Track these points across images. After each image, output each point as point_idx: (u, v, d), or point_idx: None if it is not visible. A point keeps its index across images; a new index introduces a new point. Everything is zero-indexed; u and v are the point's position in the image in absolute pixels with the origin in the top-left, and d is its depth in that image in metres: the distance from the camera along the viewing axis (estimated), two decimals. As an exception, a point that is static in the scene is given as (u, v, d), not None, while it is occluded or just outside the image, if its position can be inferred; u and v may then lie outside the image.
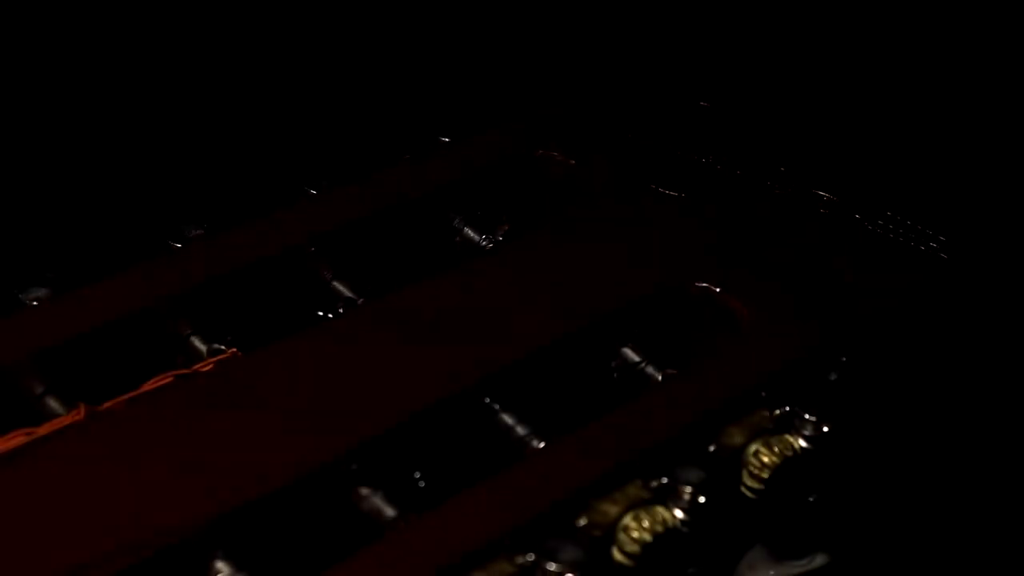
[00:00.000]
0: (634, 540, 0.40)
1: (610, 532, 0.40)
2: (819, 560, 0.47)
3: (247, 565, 0.38)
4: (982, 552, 0.60)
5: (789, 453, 0.42)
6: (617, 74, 0.57)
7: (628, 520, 0.40)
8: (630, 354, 0.46)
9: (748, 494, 0.42)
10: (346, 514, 0.40)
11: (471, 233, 0.50)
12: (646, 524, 0.40)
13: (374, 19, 0.84)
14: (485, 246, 0.49)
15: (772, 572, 0.46)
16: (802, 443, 0.43)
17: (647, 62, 0.59)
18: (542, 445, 0.42)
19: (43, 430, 0.41)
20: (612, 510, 0.40)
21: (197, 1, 0.81)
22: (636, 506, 0.40)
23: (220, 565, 0.38)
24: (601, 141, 0.52)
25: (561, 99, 0.54)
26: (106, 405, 0.42)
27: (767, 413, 0.43)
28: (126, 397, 0.42)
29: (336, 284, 0.47)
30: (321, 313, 0.47)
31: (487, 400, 0.43)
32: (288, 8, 0.84)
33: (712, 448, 0.42)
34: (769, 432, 0.43)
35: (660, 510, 0.40)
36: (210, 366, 0.43)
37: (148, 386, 0.42)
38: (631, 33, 0.87)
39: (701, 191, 0.50)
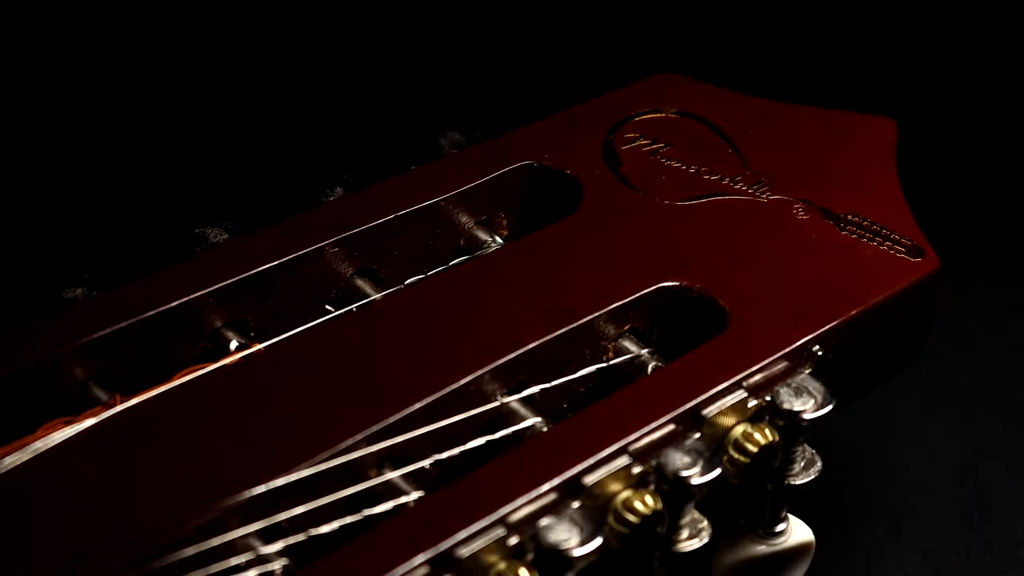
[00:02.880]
0: (625, 522, 0.42)
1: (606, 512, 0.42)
2: (798, 538, 0.48)
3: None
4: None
5: (769, 440, 0.44)
6: (607, 81, 0.58)
7: (618, 503, 0.42)
8: (622, 349, 0.47)
9: (729, 477, 0.44)
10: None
11: (475, 235, 0.51)
12: (639, 507, 0.42)
13: (376, 23, 0.86)
14: (488, 247, 0.51)
15: (753, 551, 0.48)
16: (781, 433, 0.44)
17: (639, 68, 0.60)
18: (545, 429, 0.44)
19: (81, 419, 0.43)
20: (607, 490, 0.42)
21: (219, 12, 0.82)
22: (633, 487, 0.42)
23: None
24: (595, 147, 0.53)
25: (552, 108, 0.55)
26: (138, 397, 0.43)
27: (749, 404, 0.44)
28: (158, 389, 0.44)
29: (353, 282, 0.49)
30: (331, 309, 0.48)
31: (489, 390, 0.44)
32: (294, 14, 0.85)
33: (697, 435, 0.43)
34: (751, 420, 0.44)
35: (649, 496, 0.42)
36: (236, 359, 0.45)
37: (177, 378, 0.44)
38: (625, 39, 0.88)
39: (690, 195, 0.52)
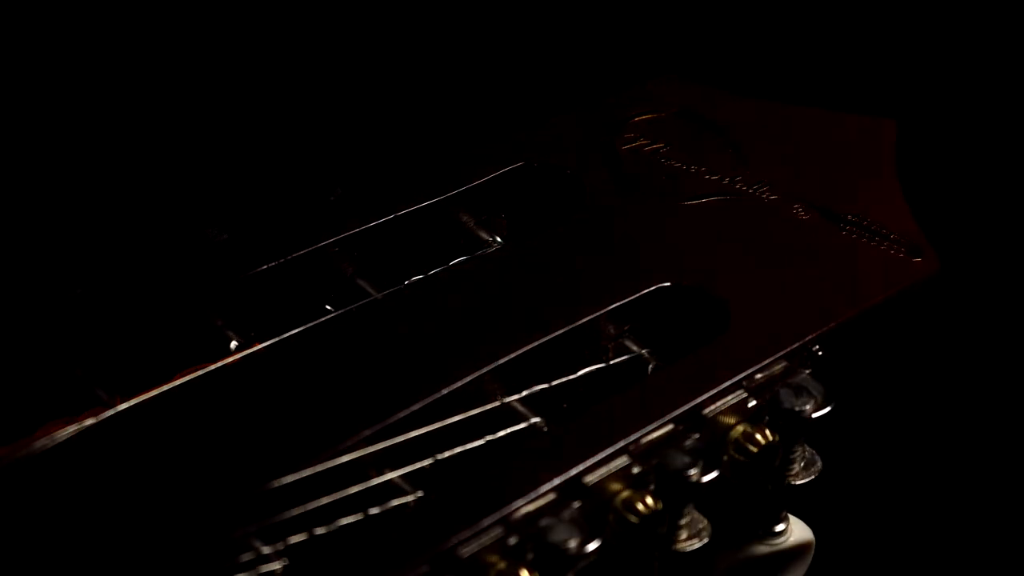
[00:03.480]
0: (626, 522, 0.42)
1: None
2: (798, 538, 0.48)
3: None
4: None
5: (768, 440, 0.44)
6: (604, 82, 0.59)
7: (619, 500, 0.42)
8: (622, 349, 0.47)
9: (729, 478, 0.44)
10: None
11: (476, 235, 0.51)
12: (640, 507, 0.42)
13: (376, 24, 0.86)
14: (489, 247, 0.51)
15: (753, 551, 0.48)
16: (780, 434, 0.45)
17: (634, 71, 0.60)
18: (545, 429, 0.44)
19: (82, 418, 0.43)
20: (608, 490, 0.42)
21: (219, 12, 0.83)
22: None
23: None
24: (595, 147, 0.54)
25: (553, 109, 0.56)
26: (139, 396, 0.44)
27: (749, 404, 0.45)
28: (161, 389, 0.44)
29: (353, 281, 0.49)
30: (331, 309, 0.48)
31: (489, 390, 0.44)
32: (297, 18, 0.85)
33: (697, 435, 0.44)
34: (750, 421, 0.45)
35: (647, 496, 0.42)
36: (236, 359, 0.45)
37: (179, 378, 0.44)
38: (625, 40, 0.88)
39: (690, 195, 0.52)
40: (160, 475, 0.41)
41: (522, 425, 0.44)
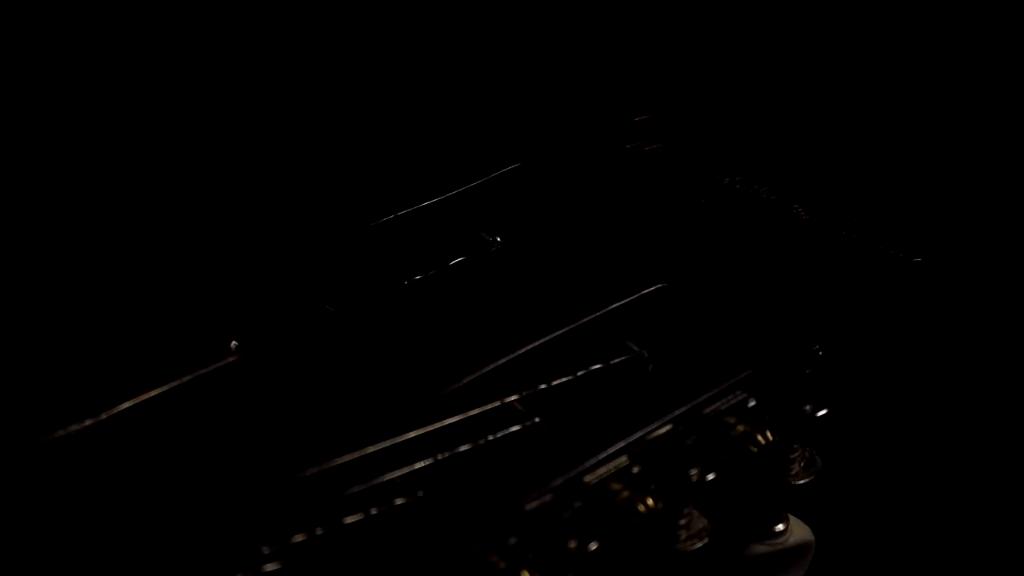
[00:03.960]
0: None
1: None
2: (798, 538, 0.49)
3: None
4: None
5: (767, 440, 0.44)
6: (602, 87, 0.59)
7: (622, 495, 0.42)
8: (623, 349, 0.47)
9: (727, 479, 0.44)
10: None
11: (476, 235, 0.51)
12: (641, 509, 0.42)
13: (376, 24, 0.86)
14: (489, 247, 0.51)
15: (753, 550, 0.48)
16: (778, 434, 0.45)
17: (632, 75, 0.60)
18: (546, 429, 0.44)
19: (83, 419, 0.43)
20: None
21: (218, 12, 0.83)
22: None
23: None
24: (596, 148, 0.54)
25: (553, 109, 0.56)
26: (139, 397, 0.44)
27: (749, 404, 0.45)
28: (160, 389, 0.44)
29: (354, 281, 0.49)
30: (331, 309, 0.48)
31: (489, 390, 0.44)
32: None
33: (695, 436, 0.44)
34: (750, 421, 0.45)
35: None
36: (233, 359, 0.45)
37: (178, 378, 0.44)
38: (625, 40, 0.88)
39: (690, 195, 0.52)
40: (160, 475, 0.41)
41: (522, 425, 0.44)
